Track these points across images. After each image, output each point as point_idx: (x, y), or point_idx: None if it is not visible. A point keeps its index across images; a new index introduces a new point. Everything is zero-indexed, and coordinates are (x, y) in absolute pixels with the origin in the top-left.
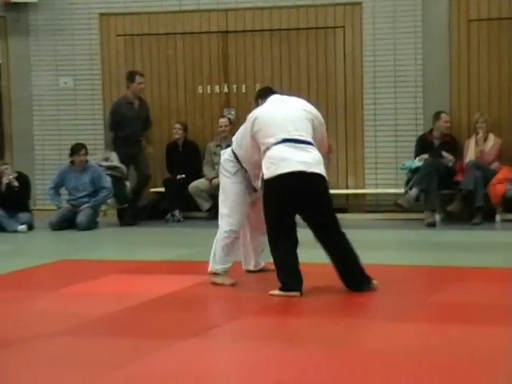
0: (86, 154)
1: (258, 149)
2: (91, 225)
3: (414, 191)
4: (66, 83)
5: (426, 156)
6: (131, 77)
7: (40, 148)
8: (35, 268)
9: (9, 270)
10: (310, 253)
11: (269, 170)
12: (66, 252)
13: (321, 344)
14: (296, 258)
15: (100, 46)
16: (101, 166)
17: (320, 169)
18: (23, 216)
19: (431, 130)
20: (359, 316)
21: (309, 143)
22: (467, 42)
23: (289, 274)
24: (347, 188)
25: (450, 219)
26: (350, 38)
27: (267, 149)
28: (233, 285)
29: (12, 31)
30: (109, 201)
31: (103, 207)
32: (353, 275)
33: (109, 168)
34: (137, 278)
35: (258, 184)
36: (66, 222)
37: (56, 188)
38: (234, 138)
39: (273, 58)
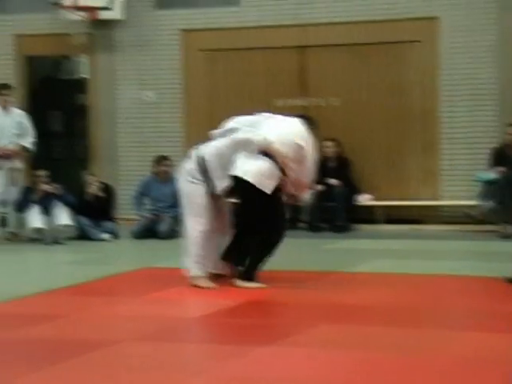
0: (169, 165)
1: None
2: (172, 234)
3: (488, 203)
4: (149, 97)
5: (502, 168)
6: None
7: (124, 159)
8: (119, 275)
9: (94, 276)
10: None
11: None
12: (148, 260)
13: (398, 352)
14: None
15: (182, 60)
16: None
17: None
18: (107, 225)
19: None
20: (435, 326)
21: None
22: None
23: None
24: (422, 199)
25: None
26: (426, 51)
27: None
28: (214, 288)
29: (99, 47)
30: None
31: None
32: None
33: None
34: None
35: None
36: (148, 231)
37: (138, 197)
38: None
39: (350, 72)
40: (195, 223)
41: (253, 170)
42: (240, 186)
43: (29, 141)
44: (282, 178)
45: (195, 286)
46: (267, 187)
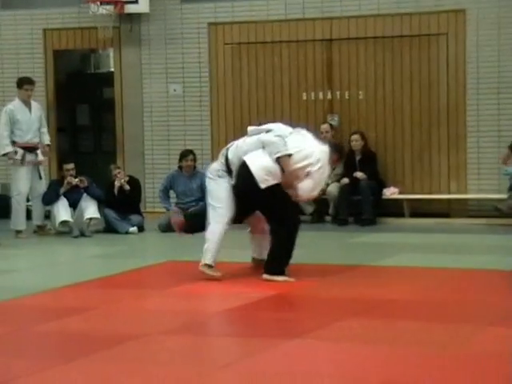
0: (194, 160)
1: None
2: None
3: None
4: (175, 90)
5: None
6: None
7: (150, 153)
8: (146, 268)
9: (121, 269)
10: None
11: None
12: (174, 253)
13: (424, 346)
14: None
15: (208, 54)
16: None
17: None
18: (134, 218)
19: None
20: (461, 320)
21: None
22: None
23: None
24: (449, 193)
25: None
26: (453, 44)
27: None
28: (220, 278)
29: (125, 41)
30: None
31: None
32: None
33: None
34: (242, 279)
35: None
36: None
37: (165, 191)
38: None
39: (376, 65)
40: (217, 216)
41: (258, 162)
42: (242, 171)
43: (48, 136)
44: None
45: (205, 274)
46: (263, 182)
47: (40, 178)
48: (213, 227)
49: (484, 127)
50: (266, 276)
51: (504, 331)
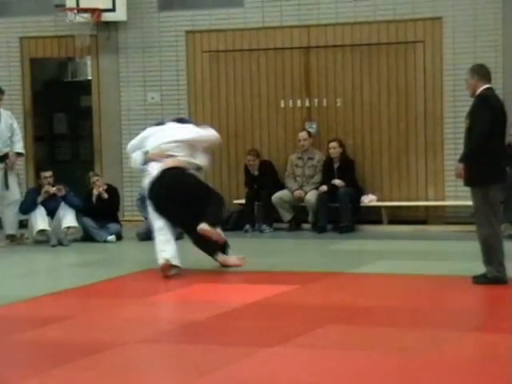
0: None
1: None
2: (177, 235)
3: None
4: (153, 98)
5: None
6: None
7: (128, 161)
8: (124, 277)
9: (100, 278)
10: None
11: None
12: (153, 261)
13: (402, 352)
14: None
15: (186, 62)
16: None
17: None
18: (112, 227)
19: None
20: (439, 326)
21: None
22: None
23: None
24: (427, 200)
25: None
26: (430, 52)
27: None
28: (173, 275)
29: (102, 49)
30: None
31: None
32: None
33: None
34: (221, 287)
35: None
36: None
37: (141, 200)
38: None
39: (353, 72)
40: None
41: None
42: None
43: (20, 145)
44: None
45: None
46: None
47: (7, 187)
48: (157, 233)
49: (461, 134)
50: (203, 225)
51: (481, 336)
